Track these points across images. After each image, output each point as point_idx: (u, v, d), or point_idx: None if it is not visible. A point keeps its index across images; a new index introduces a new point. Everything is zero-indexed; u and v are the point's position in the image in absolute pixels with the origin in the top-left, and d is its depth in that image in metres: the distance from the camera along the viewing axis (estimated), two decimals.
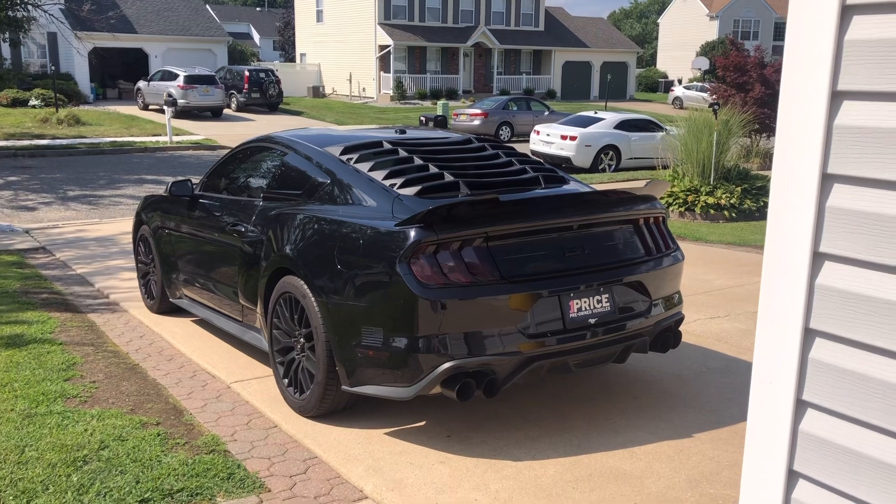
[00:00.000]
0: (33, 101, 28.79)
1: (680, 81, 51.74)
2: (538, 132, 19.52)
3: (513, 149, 5.24)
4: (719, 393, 4.73)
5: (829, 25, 1.31)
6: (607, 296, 4.13)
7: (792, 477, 1.49)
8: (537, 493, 3.53)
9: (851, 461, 1.40)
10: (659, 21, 66.36)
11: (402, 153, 4.68)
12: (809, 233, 1.38)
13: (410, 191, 4.23)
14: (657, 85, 57.01)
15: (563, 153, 18.26)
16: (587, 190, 4.65)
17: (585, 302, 4.04)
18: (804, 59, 1.31)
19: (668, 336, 4.45)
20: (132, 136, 23.55)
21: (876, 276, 1.34)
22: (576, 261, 4.07)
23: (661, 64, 62.05)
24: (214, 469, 3.73)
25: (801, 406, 1.46)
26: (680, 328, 4.62)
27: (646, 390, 4.78)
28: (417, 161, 4.58)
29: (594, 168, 18.23)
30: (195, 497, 3.49)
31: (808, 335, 1.43)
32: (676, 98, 43.63)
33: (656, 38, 67.35)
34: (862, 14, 1.29)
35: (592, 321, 4.05)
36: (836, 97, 1.32)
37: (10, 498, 3.41)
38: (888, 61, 1.25)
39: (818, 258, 1.40)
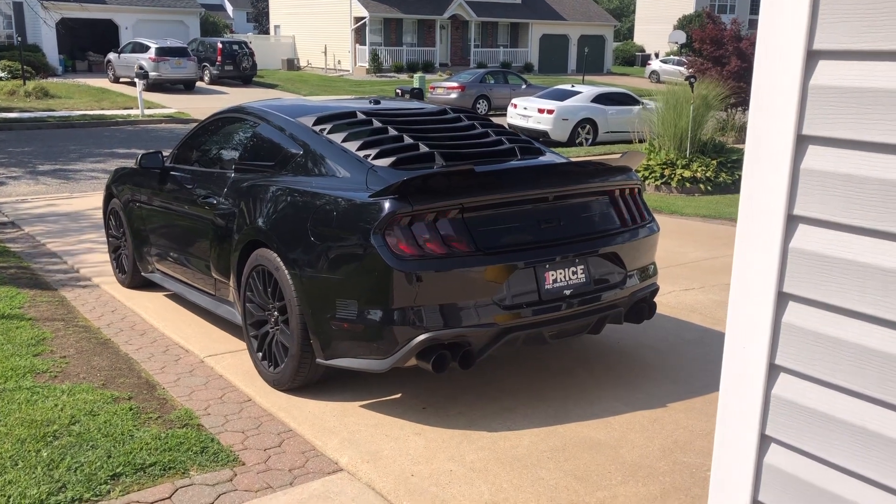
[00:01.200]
0: (0, 74, 28.18)
1: (657, 55, 51.67)
2: (515, 106, 19.44)
3: (489, 120, 5.19)
4: (693, 363, 4.76)
5: None
6: (582, 267, 4.12)
7: (764, 441, 1.49)
8: (512, 463, 3.54)
9: (824, 425, 1.39)
10: None
11: (377, 124, 4.62)
12: (784, 196, 1.36)
13: (384, 162, 4.18)
14: (634, 59, 56.91)
15: (541, 127, 18.21)
16: (563, 161, 4.62)
17: (561, 273, 4.03)
18: (780, 17, 1.29)
19: (642, 307, 4.46)
20: (103, 109, 23.16)
21: (850, 238, 1.32)
22: (551, 232, 4.06)
23: (639, 38, 61.89)
24: (188, 443, 3.69)
25: (773, 370, 1.45)
26: (655, 300, 4.63)
27: (621, 361, 4.80)
28: (392, 132, 4.52)
29: (571, 142, 18.22)
30: (168, 471, 3.45)
31: (782, 299, 1.42)
32: (653, 72, 43.64)
33: (634, 12, 67.12)
34: None
35: (568, 292, 4.04)
36: (812, 56, 1.29)
37: None
38: (864, 19, 1.22)
39: (792, 221, 1.39)
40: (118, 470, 3.43)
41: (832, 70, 1.28)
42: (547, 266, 3.97)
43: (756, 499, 1.47)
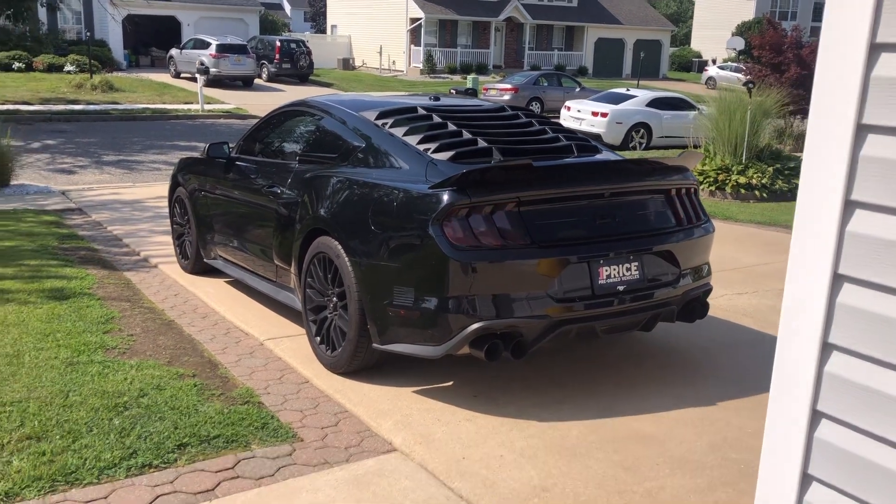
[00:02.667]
0: (68, 67, 29.12)
1: (714, 61, 50.96)
2: (569, 108, 19.45)
3: (545, 118, 5.27)
4: (744, 365, 4.77)
5: None
6: (636, 264, 4.18)
7: (815, 416, 1.56)
8: (561, 451, 3.62)
9: (872, 400, 1.46)
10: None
11: (437, 119, 4.74)
12: (842, 181, 1.43)
13: (444, 155, 4.30)
14: (691, 64, 56.19)
15: (594, 130, 18.18)
16: (619, 159, 4.68)
17: (615, 269, 4.10)
18: (844, 11, 1.36)
19: (695, 306, 4.50)
20: (164, 103, 23.78)
21: None
22: (606, 228, 4.13)
23: (696, 43, 61.07)
24: (249, 419, 3.86)
25: (826, 348, 1.52)
26: (708, 300, 4.65)
27: (672, 360, 4.84)
28: (451, 127, 4.64)
29: (625, 145, 18.15)
30: (231, 444, 3.62)
31: (837, 280, 1.49)
32: (710, 78, 43.04)
33: (691, 17, 66.26)
34: None
35: (621, 288, 4.11)
36: (875, 49, 1.36)
37: (57, 437, 3.56)
38: None
39: (849, 206, 1.46)
40: (184, 440, 3.60)
41: (893, 62, 1.35)
42: (601, 261, 4.05)
43: (806, 471, 1.54)
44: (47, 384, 4.14)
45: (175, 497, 3.18)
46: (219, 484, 3.29)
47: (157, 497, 3.17)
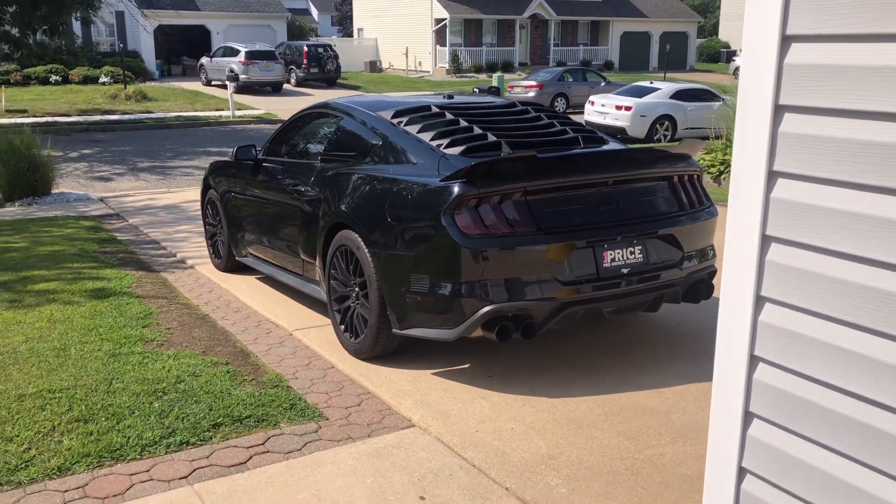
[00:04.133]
0: (103, 78, 29.91)
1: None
2: (593, 103, 19.56)
3: (555, 111, 5.49)
4: None
5: None
6: (640, 247, 4.39)
7: (753, 361, 1.78)
8: (569, 424, 3.85)
9: (798, 343, 1.68)
10: None
11: (449, 116, 4.99)
12: (765, 153, 1.65)
13: (455, 150, 4.54)
14: (719, 55, 55.78)
15: (618, 123, 18.28)
16: (622, 148, 4.89)
17: (619, 253, 4.31)
18: (759, 7, 1.59)
19: (700, 288, 4.69)
20: (196, 110, 24.34)
21: (815, 187, 1.61)
22: (610, 214, 4.34)
23: (724, 34, 60.59)
24: (278, 401, 4.14)
25: (760, 301, 1.74)
26: (713, 282, 4.84)
27: (678, 341, 5.03)
28: (462, 123, 4.88)
29: (649, 138, 18.22)
30: (261, 423, 3.90)
31: (765, 241, 1.70)
32: (737, 68, 42.69)
33: (719, 7, 65.72)
34: None
35: (625, 271, 4.32)
36: (786, 40, 1.58)
37: (103, 419, 3.88)
38: (822, 9, 1.51)
39: (773, 176, 1.67)
40: (219, 420, 3.90)
41: (801, 51, 1.57)
42: (605, 245, 4.26)
43: (748, 409, 1.77)
44: (92, 373, 4.47)
45: (210, 469, 3.47)
46: (250, 458, 3.57)
47: (195, 470, 3.46)
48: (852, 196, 1.55)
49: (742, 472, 1.86)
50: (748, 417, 1.82)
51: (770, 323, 1.73)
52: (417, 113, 5.07)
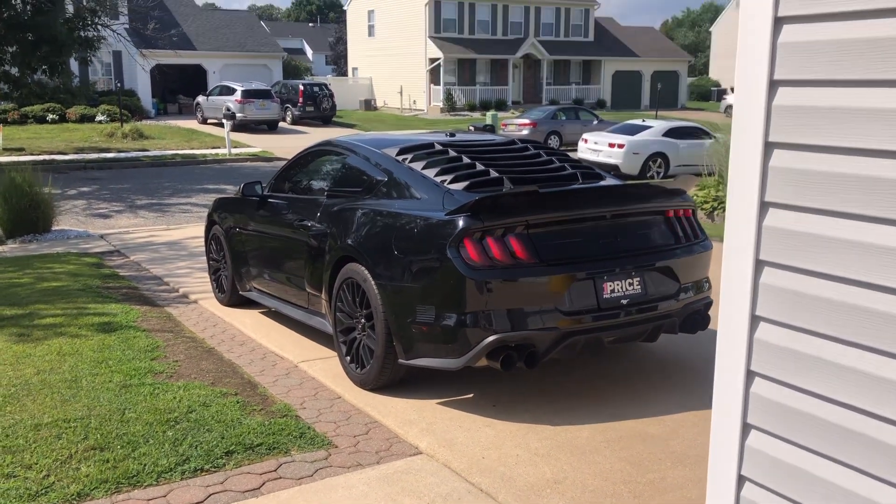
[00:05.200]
0: (100, 117, 30.23)
1: (733, 90, 51.30)
2: (586, 140, 19.87)
3: (553, 149, 5.69)
4: None
5: None
6: (638, 279, 4.54)
7: (750, 376, 1.92)
8: (572, 450, 3.97)
9: (791, 357, 1.83)
10: (711, 29, 65.97)
11: (452, 153, 5.17)
12: (757, 185, 1.82)
13: (459, 186, 4.72)
14: (710, 94, 56.68)
15: (611, 161, 18.57)
16: (619, 184, 5.08)
17: (618, 284, 4.46)
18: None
19: (696, 318, 4.84)
20: (193, 148, 24.59)
21: (803, 216, 1.78)
22: (609, 247, 4.51)
23: (714, 73, 61.65)
24: (288, 429, 4.25)
25: (755, 320, 1.89)
26: (709, 313, 4.99)
27: (676, 370, 5.17)
28: (465, 160, 5.06)
29: (642, 175, 18.50)
30: (273, 450, 4.01)
31: (759, 265, 1.87)
32: (728, 106, 43.39)
33: (709, 47, 66.92)
34: None
35: (624, 302, 4.47)
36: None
37: (118, 447, 3.98)
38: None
39: (764, 206, 1.84)
40: (231, 448, 4.00)
41: (787, 94, 1.75)
42: (605, 277, 4.42)
43: (745, 421, 1.92)
44: (105, 403, 4.57)
45: (225, 495, 3.57)
46: (263, 483, 3.67)
47: (210, 495, 3.56)
48: (836, 224, 1.72)
49: (741, 480, 1.99)
50: (746, 428, 1.96)
51: (764, 340, 1.89)
52: (421, 150, 5.25)
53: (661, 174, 18.68)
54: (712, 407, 2.08)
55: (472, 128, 25.26)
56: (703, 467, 3.74)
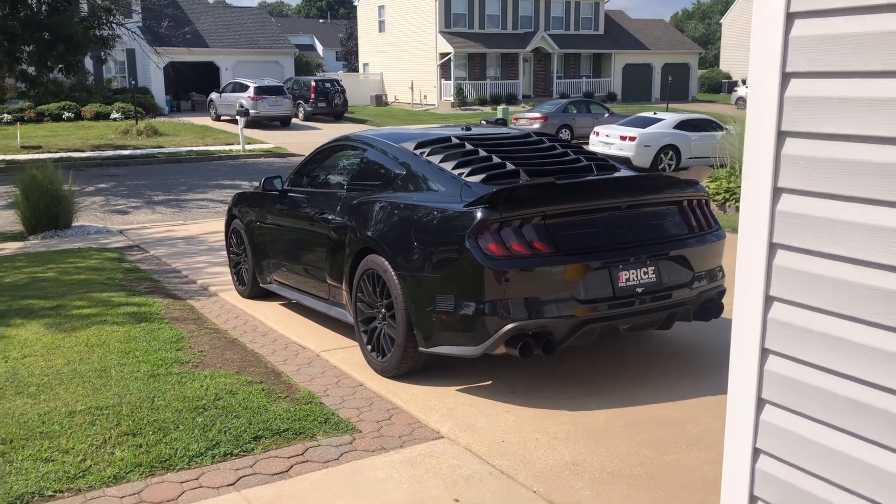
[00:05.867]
0: (114, 115, 30.49)
1: (744, 82, 51.15)
2: (597, 133, 19.92)
3: (568, 142, 5.79)
4: None
5: None
6: (653, 268, 4.64)
7: (764, 353, 2.03)
8: (590, 434, 4.08)
9: (802, 335, 1.95)
10: (722, 21, 65.69)
11: (469, 147, 5.28)
12: (770, 172, 1.93)
13: (476, 178, 4.83)
14: (720, 86, 56.51)
15: (623, 153, 18.61)
16: (634, 175, 5.17)
17: (633, 273, 4.57)
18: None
19: (710, 306, 4.93)
20: (207, 145, 24.79)
21: (814, 200, 1.89)
22: (624, 237, 4.61)
23: (725, 64, 61.41)
24: (313, 415, 4.38)
25: (769, 300, 2.00)
26: (722, 301, 5.08)
27: (690, 357, 5.27)
28: (482, 153, 5.17)
29: (654, 168, 18.54)
30: (299, 435, 4.14)
31: (773, 248, 1.98)
32: (740, 98, 43.31)
33: (719, 39, 66.66)
34: None
35: (639, 290, 4.57)
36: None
37: (150, 433, 4.12)
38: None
39: (777, 191, 1.94)
40: (259, 433, 4.13)
41: (799, 86, 1.86)
42: (620, 266, 4.52)
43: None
44: (134, 392, 4.72)
45: (255, 477, 3.70)
46: (291, 467, 3.81)
47: (240, 478, 3.70)
48: (845, 207, 1.83)
49: (757, 453, 2.10)
50: (761, 403, 2.07)
51: (778, 319, 1.99)
52: (438, 144, 5.36)
53: (673, 167, 18.72)
54: (728, 383, 2.19)
55: (484, 122, 25.36)
56: (718, 449, 3.85)
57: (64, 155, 21.54)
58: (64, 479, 3.64)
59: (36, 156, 20.74)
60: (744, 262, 2.05)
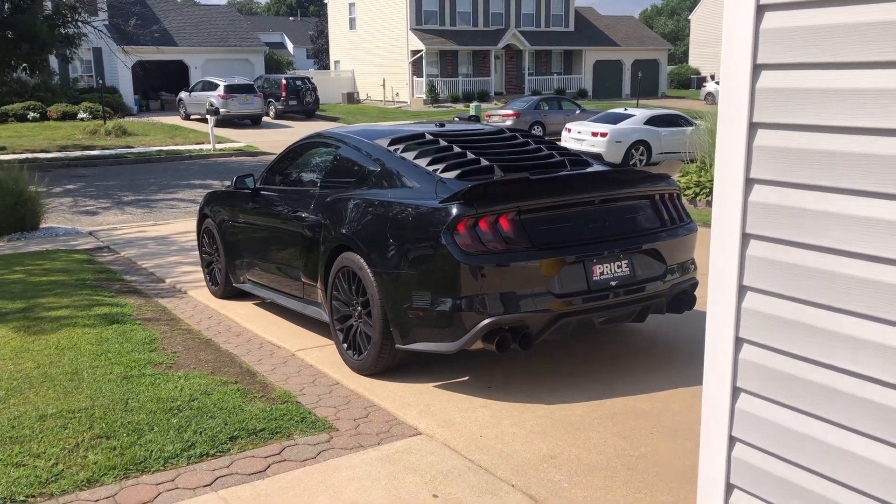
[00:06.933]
0: (82, 115, 30.04)
1: (712, 77, 51.70)
2: (569, 130, 20.01)
3: (541, 138, 5.81)
4: None
5: None
6: (626, 262, 4.68)
7: (738, 342, 2.06)
8: (567, 427, 4.10)
9: (775, 323, 1.97)
10: (690, 17, 66.28)
11: (443, 143, 5.28)
12: (742, 163, 1.95)
13: (451, 174, 4.83)
14: (689, 81, 57.02)
15: (595, 149, 18.70)
16: (607, 169, 5.20)
17: (607, 267, 4.59)
18: None
19: (683, 299, 4.98)
20: (177, 144, 24.52)
21: (785, 191, 1.91)
22: (598, 231, 4.63)
23: (694, 60, 61.97)
24: (290, 414, 4.35)
25: (742, 290, 2.03)
26: (695, 294, 5.13)
27: (666, 350, 5.31)
28: (456, 149, 5.17)
29: (625, 163, 18.65)
30: (276, 435, 4.11)
31: (745, 238, 2.00)
32: (709, 94, 43.70)
33: (688, 35, 67.25)
34: None
35: (613, 284, 4.60)
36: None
37: (124, 435, 4.07)
38: None
39: (749, 182, 1.97)
40: (235, 433, 4.10)
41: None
42: (594, 260, 4.55)
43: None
44: (107, 394, 4.65)
45: (232, 477, 3.67)
46: (269, 466, 3.78)
47: (217, 478, 3.67)
48: (817, 197, 1.85)
49: (732, 441, 2.13)
50: (736, 391, 2.09)
51: (751, 308, 2.02)
52: (412, 140, 5.35)
53: (644, 162, 18.86)
54: (704, 373, 2.21)
55: (457, 118, 25.38)
56: (694, 440, 3.89)
57: (30, 156, 21.18)
58: (36, 483, 3.59)
59: (0, 157, 20.37)
60: (717, 252, 2.07)
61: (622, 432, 4.03)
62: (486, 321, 4.31)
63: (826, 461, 1.92)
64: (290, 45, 72.43)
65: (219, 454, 3.90)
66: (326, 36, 51.51)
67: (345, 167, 5.57)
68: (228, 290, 7.06)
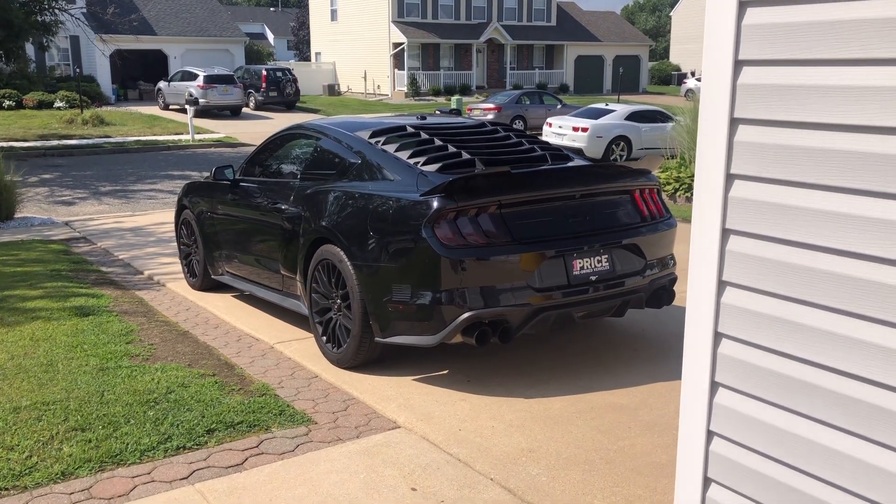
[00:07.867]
0: (58, 104, 29.64)
1: (693, 73, 51.97)
2: (550, 124, 20.05)
3: (523, 131, 5.81)
4: None
5: None
6: (606, 256, 4.69)
7: (717, 337, 2.07)
8: (546, 420, 4.11)
9: (755, 318, 1.98)
10: (671, 14, 66.59)
11: (424, 136, 5.26)
12: (723, 159, 1.96)
13: (432, 167, 4.81)
14: (670, 78, 57.31)
15: (576, 144, 18.77)
16: (588, 164, 5.21)
17: (587, 261, 4.60)
18: None
19: (662, 294, 5.00)
20: (155, 135, 24.28)
21: (765, 186, 1.92)
22: (578, 226, 4.64)
23: (674, 57, 62.30)
24: (268, 407, 4.33)
25: (722, 285, 2.04)
26: (675, 289, 5.15)
27: (644, 345, 5.34)
28: (438, 142, 5.15)
29: (606, 158, 18.73)
30: (253, 427, 4.09)
31: (725, 233, 2.01)
32: (689, 90, 43.92)
33: (669, 32, 67.57)
34: None
35: (593, 278, 4.61)
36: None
37: (100, 427, 4.02)
38: None
39: (730, 178, 1.98)
40: (212, 426, 4.07)
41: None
42: (574, 255, 4.55)
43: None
44: (83, 386, 4.60)
45: (209, 470, 3.65)
46: (246, 459, 3.76)
47: (194, 471, 3.64)
48: (797, 193, 1.86)
49: (710, 435, 2.14)
50: (714, 386, 2.11)
51: (730, 303, 2.03)
52: (394, 133, 5.33)
53: (625, 157, 18.94)
54: (682, 367, 2.22)
55: (438, 111, 25.30)
56: (671, 434, 3.91)
57: (5, 144, 20.87)
58: (9, 476, 3.54)
59: None
60: (697, 247, 2.08)
61: (601, 426, 4.05)
62: (466, 315, 4.30)
63: (803, 456, 1.93)
64: (270, 36, 71.89)
65: (196, 447, 3.87)
66: (307, 27, 51.23)
67: (325, 159, 5.54)
68: (207, 283, 7.01)
